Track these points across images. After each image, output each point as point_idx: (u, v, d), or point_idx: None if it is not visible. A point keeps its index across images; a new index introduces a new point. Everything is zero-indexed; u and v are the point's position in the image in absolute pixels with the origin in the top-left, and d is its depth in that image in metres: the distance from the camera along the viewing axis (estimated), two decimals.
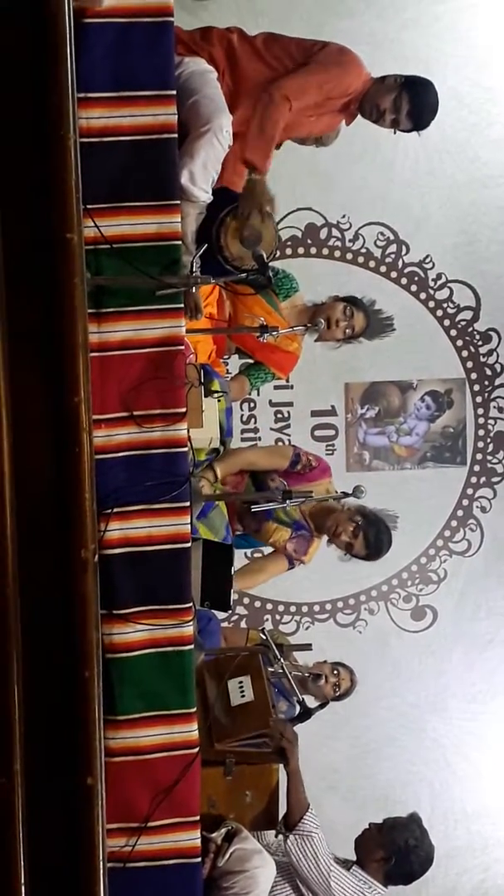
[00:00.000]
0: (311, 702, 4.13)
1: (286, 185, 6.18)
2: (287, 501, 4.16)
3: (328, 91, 4.15)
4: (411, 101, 4.28)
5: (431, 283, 6.59)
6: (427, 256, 6.57)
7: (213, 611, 4.19)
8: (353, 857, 4.29)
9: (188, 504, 3.24)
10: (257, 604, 6.51)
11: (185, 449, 3.25)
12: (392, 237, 6.53)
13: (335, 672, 4.78)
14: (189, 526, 3.26)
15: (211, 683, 3.78)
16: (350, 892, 4.08)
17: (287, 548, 4.71)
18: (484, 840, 6.76)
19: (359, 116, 4.39)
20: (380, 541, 4.67)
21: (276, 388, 6.32)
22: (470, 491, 6.71)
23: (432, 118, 4.39)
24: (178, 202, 3.23)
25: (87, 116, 3.06)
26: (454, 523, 6.70)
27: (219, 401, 4.16)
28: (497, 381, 6.68)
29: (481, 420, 6.69)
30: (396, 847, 4.24)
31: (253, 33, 4.22)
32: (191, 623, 3.26)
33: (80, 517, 2.93)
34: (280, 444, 6.39)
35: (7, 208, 2.89)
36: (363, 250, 6.53)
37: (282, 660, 3.91)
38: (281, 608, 6.55)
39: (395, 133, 4.39)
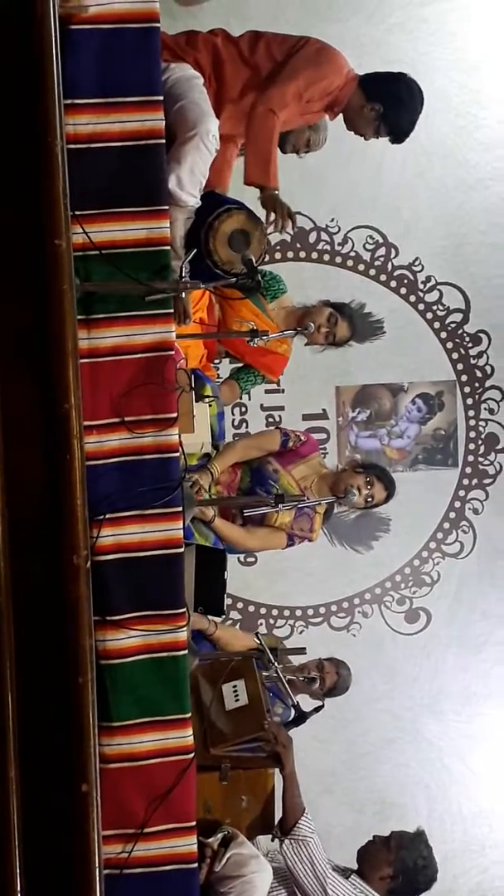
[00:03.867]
0: (304, 705, 4.13)
1: None
2: (279, 506, 4.16)
3: (309, 95, 4.15)
4: (390, 124, 4.31)
5: (421, 286, 6.60)
6: (416, 259, 6.58)
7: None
8: (353, 865, 4.28)
9: (180, 509, 3.24)
10: (251, 608, 6.51)
11: (177, 454, 3.24)
12: (381, 240, 6.54)
13: (318, 667, 4.78)
14: (181, 531, 3.26)
15: (205, 688, 3.78)
16: None
17: (293, 528, 4.70)
18: (481, 842, 6.76)
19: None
20: (390, 477, 4.75)
21: (267, 391, 6.33)
22: (462, 493, 6.72)
23: (412, 123, 4.40)
24: (167, 207, 3.23)
25: (74, 123, 3.06)
26: (447, 525, 6.71)
27: (210, 405, 4.16)
28: (487, 383, 6.69)
29: (472, 422, 6.69)
30: (404, 867, 4.24)
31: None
32: (185, 628, 3.25)
33: (72, 523, 2.93)
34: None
35: None
36: (352, 254, 6.54)
37: (276, 664, 3.91)
38: (275, 612, 6.55)
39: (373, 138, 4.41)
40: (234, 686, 3.76)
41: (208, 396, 4.18)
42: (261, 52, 4.12)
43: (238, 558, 5.41)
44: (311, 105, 4.21)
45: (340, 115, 4.36)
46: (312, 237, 6.49)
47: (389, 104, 4.28)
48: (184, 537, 3.55)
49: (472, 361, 6.67)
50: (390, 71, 4.39)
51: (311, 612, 6.59)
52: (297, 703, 3.99)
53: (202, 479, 4.27)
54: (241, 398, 5.07)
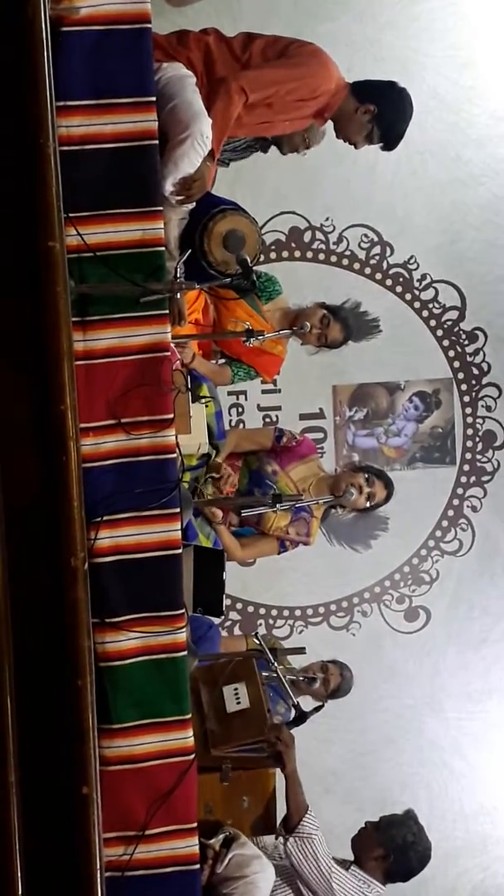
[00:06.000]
0: (306, 705, 4.13)
1: (269, 189, 6.21)
2: (277, 506, 4.17)
3: (291, 89, 4.10)
4: (384, 127, 4.32)
5: (416, 284, 6.59)
6: (411, 257, 6.58)
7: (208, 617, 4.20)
8: (351, 857, 4.29)
9: (178, 510, 3.23)
10: (250, 609, 6.50)
11: (174, 455, 3.24)
12: (376, 238, 6.54)
13: (322, 669, 4.79)
14: (179, 532, 3.25)
15: (205, 689, 3.77)
16: (351, 892, 4.09)
17: (289, 532, 4.70)
18: (483, 839, 6.75)
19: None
20: (388, 476, 4.83)
21: (263, 391, 6.33)
22: (460, 490, 6.72)
23: (403, 129, 4.41)
24: (161, 208, 3.22)
25: (66, 125, 3.05)
26: (445, 523, 6.70)
27: (206, 406, 4.16)
28: (484, 380, 6.68)
29: (469, 419, 6.69)
30: (394, 844, 4.25)
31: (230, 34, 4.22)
32: (184, 629, 3.25)
33: (69, 526, 2.93)
34: None
35: None
36: (347, 252, 6.53)
37: (276, 664, 3.91)
38: (274, 612, 6.55)
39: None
40: (235, 689, 3.75)
41: (205, 397, 4.17)
42: (253, 51, 4.11)
43: None
44: (302, 105, 4.20)
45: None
46: (307, 236, 6.49)
47: (382, 105, 4.28)
48: (185, 537, 3.56)
49: (469, 359, 6.66)
50: (381, 79, 4.40)
51: (310, 611, 6.58)
52: (298, 703, 3.99)
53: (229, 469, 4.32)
54: (232, 382, 5.03)
